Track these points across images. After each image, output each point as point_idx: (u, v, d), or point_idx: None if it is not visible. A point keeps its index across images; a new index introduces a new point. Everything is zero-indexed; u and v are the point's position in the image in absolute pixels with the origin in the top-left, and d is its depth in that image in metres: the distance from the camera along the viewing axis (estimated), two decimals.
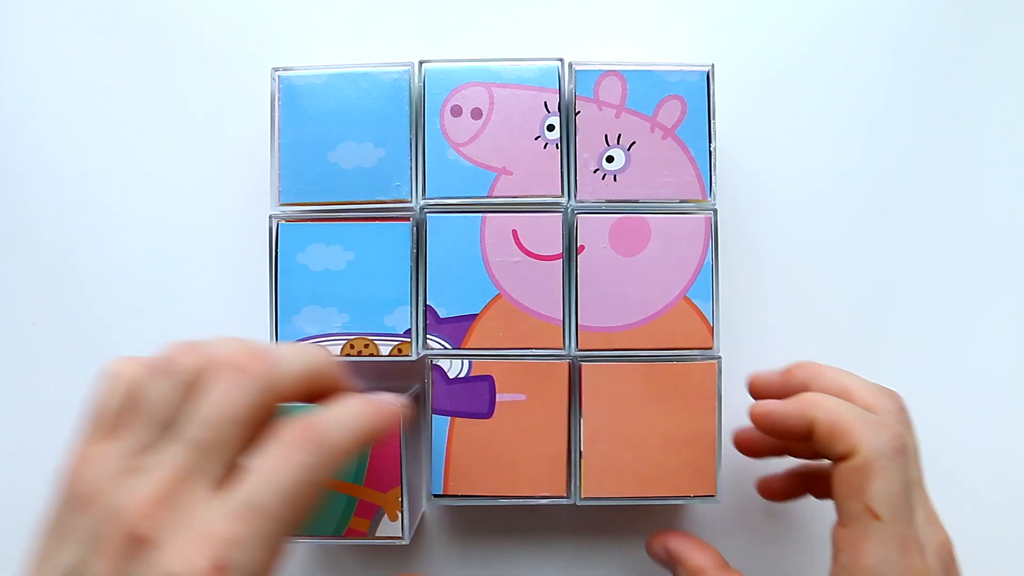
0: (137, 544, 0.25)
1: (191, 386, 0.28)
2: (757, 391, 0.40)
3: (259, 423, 0.28)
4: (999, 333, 0.47)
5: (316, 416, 0.29)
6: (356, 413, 0.30)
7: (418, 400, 0.43)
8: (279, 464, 0.27)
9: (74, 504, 0.27)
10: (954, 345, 0.47)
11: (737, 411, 0.45)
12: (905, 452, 0.33)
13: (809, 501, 0.42)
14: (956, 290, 0.47)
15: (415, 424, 0.42)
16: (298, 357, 0.30)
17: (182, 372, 0.28)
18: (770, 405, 0.35)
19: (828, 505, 0.45)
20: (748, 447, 0.41)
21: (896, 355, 0.46)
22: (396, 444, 0.38)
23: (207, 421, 0.27)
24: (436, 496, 0.40)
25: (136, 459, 0.27)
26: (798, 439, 0.35)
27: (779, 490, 0.42)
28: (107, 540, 0.25)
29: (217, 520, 0.26)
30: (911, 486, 0.33)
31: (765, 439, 0.40)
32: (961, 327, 0.47)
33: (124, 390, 0.29)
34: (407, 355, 0.40)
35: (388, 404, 0.32)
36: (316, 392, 0.31)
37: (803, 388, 0.37)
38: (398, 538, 0.39)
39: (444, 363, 0.40)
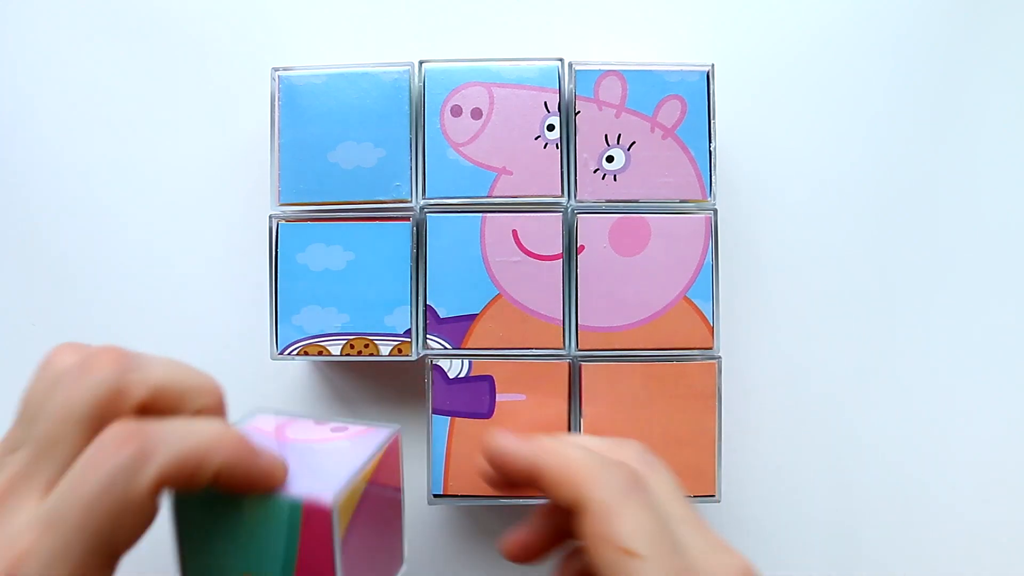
0: None
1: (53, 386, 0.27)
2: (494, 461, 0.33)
3: (100, 425, 0.25)
4: (999, 332, 0.47)
5: (147, 422, 0.26)
6: (201, 432, 0.26)
7: (393, 453, 0.34)
8: (88, 470, 0.24)
9: None
10: (955, 344, 0.47)
11: (737, 411, 0.45)
12: (643, 486, 0.29)
13: (809, 499, 0.42)
14: (956, 290, 0.47)
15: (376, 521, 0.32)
16: (161, 367, 0.27)
17: (52, 372, 0.27)
18: (505, 441, 0.32)
19: (828, 504, 0.45)
20: (519, 552, 0.34)
21: (896, 354, 0.46)
22: (328, 549, 0.28)
23: (46, 419, 0.26)
24: (436, 496, 0.40)
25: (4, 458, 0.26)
26: (528, 484, 0.31)
27: (531, 546, 0.34)
28: None
29: (23, 525, 0.24)
30: (667, 519, 0.29)
31: (538, 537, 0.34)
32: (961, 326, 0.47)
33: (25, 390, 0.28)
34: (407, 355, 0.40)
35: (269, 455, 0.28)
36: (180, 412, 0.28)
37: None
38: None
39: (444, 363, 0.40)
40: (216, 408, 0.29)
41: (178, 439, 0.25)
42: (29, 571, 0.23)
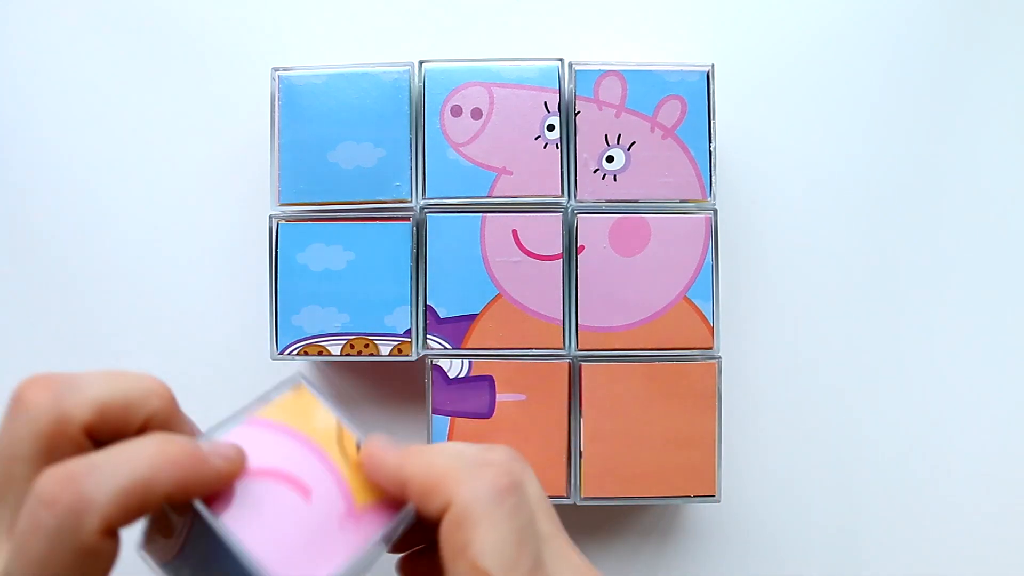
0: None
1: None
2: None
3: (51, 456, 0.24)
4: (1001, 331, 0.47)
5: (87, 460, 0.24)
6: (139, 458, 0.24)
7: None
8: (29, 531, 0.23)
9: None
10: (956, 344, 0.46)
11: (737, 411, 0.45)
12: (515, 490, 0.27)
13: (810, 499, 0.42)
14: (956, 289, 0.47)
15: None
16: (97, 384, 0.26)
17: (9, 407, 0.26)
18: (374, 448, 0.29)
19: (829, 504, 0.45)
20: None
21: (897, 354, 0.46)
22: None
23: None
24: None
25: None
26: (397, 495, 0.29)
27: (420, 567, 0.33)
28: None
29: None
30: (532, 534, 0.27)
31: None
32: (962, 325, 0.47)
33: None
34: (407, 355, 0.40)
35: (217, 455, 0.26)
36: (133, 425, 0.26)
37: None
38: None
39: (444, 363, 0.40)
40: (167, 410, 0.27)
41: (115, 474, 0.23)
42: None
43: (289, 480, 0.29)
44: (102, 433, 0.25)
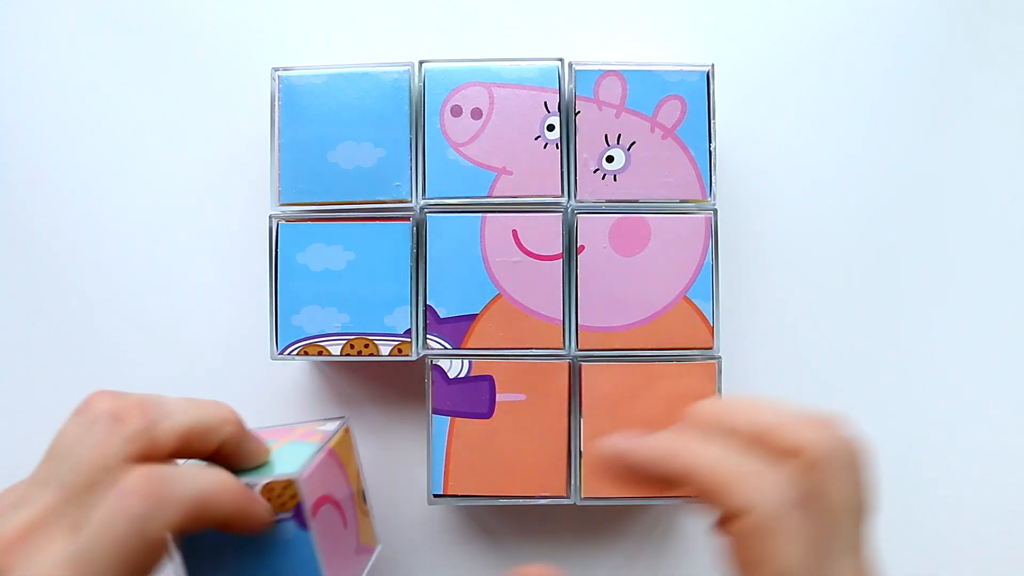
0: None
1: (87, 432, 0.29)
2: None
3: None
4: (1001, 330, 0.47)
5: (169, 468, 0.28)
6: (213, 482, 0.29)
7: (344, 441, 0.39)
8: (112, 512, 0.27)
9: None
10: (956, 343, 0.47)
11: None
12: (816, 498, 0.26)
13: None
14: (957, 288, 0.47)
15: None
16: (184, 412, 0.30)
17: (87, 417, 0.29)
18: (627, 444, 0.29)
19: None
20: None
21: (897, 353, 0.46)
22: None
23: (76, 466, 0.28)
24: (436, 496, 0.40)
25: (25, 495, 0.28)
26: (670, 487, 0.28)
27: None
28: None
29: (55, 563, 0.26)
30: (829, 550, 0.26)
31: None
32: (963, 325, 0.47)
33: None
34: (407, 355, 0.40)
35: (256, 500, 0.31)
36: (209, 449, 0.31)
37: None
38: None
39: (444, 363, 0.40)
40: (237, 435, 0.32)
41: (192, 486, 0.28)
42: None
43: (339, 509, 0.36)
44: (182, 455, 0.30)
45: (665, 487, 0.28)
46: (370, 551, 0.39)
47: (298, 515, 0.33)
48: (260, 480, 0.32)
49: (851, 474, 0.27)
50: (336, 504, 0.36)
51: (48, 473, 0.29)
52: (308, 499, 0.33)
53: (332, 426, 0.38)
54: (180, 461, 0.31)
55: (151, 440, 0.29)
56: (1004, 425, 0.46)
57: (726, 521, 0.27)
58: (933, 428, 0.46)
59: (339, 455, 0.37)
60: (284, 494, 0.33)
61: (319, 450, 0.35)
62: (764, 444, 0.27)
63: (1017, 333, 0.47)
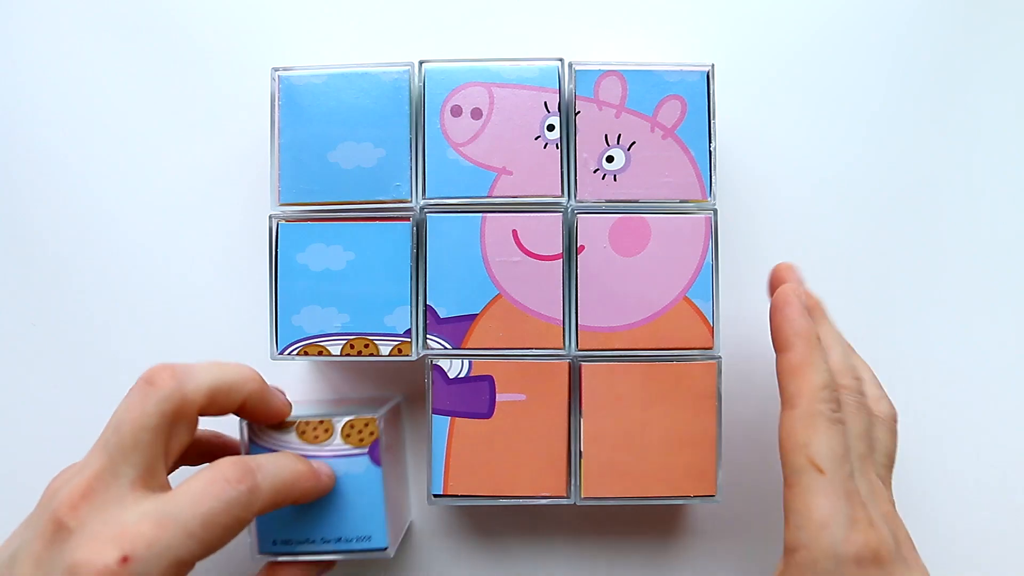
0: (59, 530, 0.31)
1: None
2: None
3: (171, 429, 0.33)
4: (1000, 332, 0.47)
5: (253, 460, 0.34)
6: (289, 470, 0.35)
7: (397, 413, 0.44)
8: (208, 492, 0.32)
9: (40, 502, 0.34)
10: (955, 345, 0.47)
11: (737, 411, 0.45)
12: (842, 423, 0.35)
13: None
14: (957, 290, 0.47)
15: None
16: (208, 372, 0.34)
17: (134, 387, 0.34)
18: (789, 287, 0.38)
19: None
20: None
21: (897, 354, 0.46)
22: None
23: (118, 428, 0.32)
24: (436, 496, 0.40)
25: (84, 462, 0.33)
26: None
27: None
28: (42, 527, 0.31)
29: (134, 518, 0.30)
30: (853, 454, 0.35)
31: None
32: (962, 327, 0.47)
33: None
34: (407, 355, 0.40)
35: (324, 474, 0.38)
36: (234, 404, 0.36)
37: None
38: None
39: (444, 363, 0.40)
40: (260, 391, 0.36)
41: (275, 479, 0.34)
42: (146, 553, 0.29)
43: (395, 463, 0.43)
44: (210, 411, 0.35)
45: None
46: (406, 519, 0.44)
47: (373, 451, 0.39)
48: (342, 418, 0.38)
49: (892, 434, 0.39)
50: (394, 458, 0.42)
51: (102, 440, 0.33)
52: (384, 437, 0.39)
53: (391, 399, 0.44)
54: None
55: (182, 399, 0.33)
56: (1005, 424, 0.46)
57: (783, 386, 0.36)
58: (933, 427, 0.46)
59: (398, 419, 0.44)
60: (364, 431, 0.39)
61: (390, 404, 0.42)
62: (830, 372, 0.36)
63: (1018, 335, 0.47)
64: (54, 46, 0.46)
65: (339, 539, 0.39)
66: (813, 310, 0.40)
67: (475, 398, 0.40)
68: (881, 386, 0.40)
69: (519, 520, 0.46)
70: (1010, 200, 0.47)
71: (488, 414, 0.40)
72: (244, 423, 0.38)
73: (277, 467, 0.35)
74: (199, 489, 0.32)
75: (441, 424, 0.40)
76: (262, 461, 0.34)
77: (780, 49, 0.46)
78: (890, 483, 0.38)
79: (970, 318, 0.47)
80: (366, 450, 0.39)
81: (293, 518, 0.38)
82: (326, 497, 0.38)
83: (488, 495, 0.40)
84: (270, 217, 0.40)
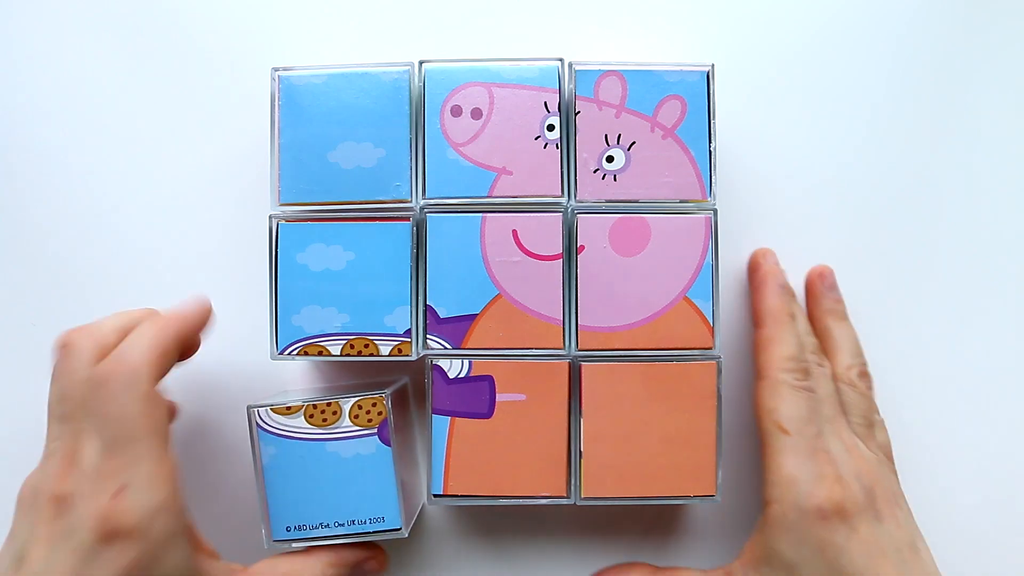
0: (61, 503, 0.33)
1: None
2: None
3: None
4: (999, 332, 0.47)
5: (116, 350, 0.36)
6: (145, 335, 0.36)
7: (404, 394, 0.44)
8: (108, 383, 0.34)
9: (23, 503, 0.35)
10: (954, 345, 0.47)
11: (737, 411, 0.45)
12: (811, 390, 0.39)
13: None
14: (956, 290, 0.47)
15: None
16: (115, 318, 0.38)
17: (54, 360, 0.37)
18: (766, 267, 0.43)
19: None
20: None
21: (897, 353, 0.46)
22: None
23: (62, 395, 0.35)
24: (436, 496, 0.40)
25: (48, 446, 0.36)
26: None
27: None
28: (41, 512, 0.33)
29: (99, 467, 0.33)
30: (820, 417, 0.39)
31: None
32: (961, 327, 0.47)
33: None
34: (407, 355, 0.40)
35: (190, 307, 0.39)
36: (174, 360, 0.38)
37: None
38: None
39: (444, 363, 0.40)
40: (164, 319, 0.38)
41: (138, 347, 0.35)
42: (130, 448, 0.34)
43: (405, 442, 0.44)
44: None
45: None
46: (419, 500, 0.45)
47: (382, 431, 0.39)
48: (350, 399, 0.39)
49: (863, 396, 0.42)
50: (403, 438, 0.42)
51: (54, 414, 0.36)
52: (392, 417, 0.39)
53: (397, 380, 0.45)
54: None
55: (100, 343, 0.35)
56: (1006, 424, 0.46)
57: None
58: (933, 426, 0.46)
59: (406, 400, 0.44)
60: (372, 411, 0.39)
61: (397, 384, 0.43)
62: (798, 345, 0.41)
63: (1017, 335, 0.47)
64: (53, 45, 0.46)
65: (352, 522, 0.39)
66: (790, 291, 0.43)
67: (475, 398, 0.40)
68: (860, 354, 0.43)
69: (519, 520, 0.46)
70: (1010, 199, 0.47)
71: (488, 414, 0.40)
72: (251, 412, 0.39)
73: (143, 338, 0.36)
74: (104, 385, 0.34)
75: (441, 424, 0.40)
76: (127, 343, 0.36)
77: (780, 49, 0.46)
78: (876, 441, 0.42)
79: (970, 317, 0.47)
80: (375, 430, 0.39)
81: (305, 503, 0.39)
82: (338, 479, 0.39)
83: (488, 495, 0.40)
84: (270, 217, 0.40)
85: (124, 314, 0.38)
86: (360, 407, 0.39)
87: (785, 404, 0.39)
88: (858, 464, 0.38)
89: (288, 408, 0.39)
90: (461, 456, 0.40)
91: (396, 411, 0.40)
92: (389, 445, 0.39)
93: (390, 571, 0.46)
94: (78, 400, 0.34)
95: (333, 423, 0.39)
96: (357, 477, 0.39)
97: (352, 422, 0.39)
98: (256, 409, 0.39)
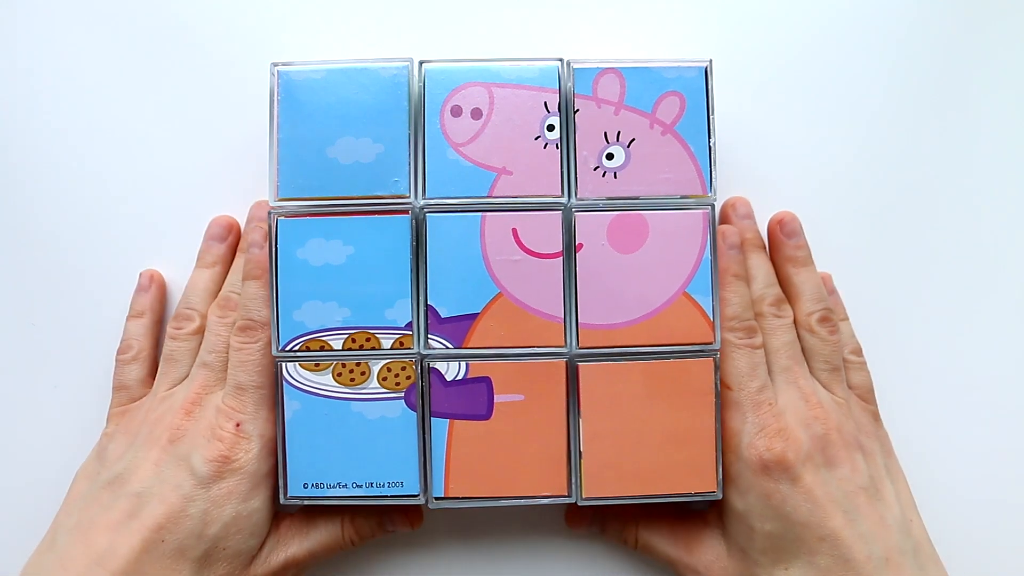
0: (175, 436, 0.39)
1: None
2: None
3: None
4: (998, 332, 0.47)
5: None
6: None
7: None
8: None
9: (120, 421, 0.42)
10: (954, 344, 0.47)
11: None
12: (755, 346, 0.40)
13: None
14: (957, 287, 0.47)
15: None
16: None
17: (211, 317, 0.43)
18: (721, 229, 0.43)
19: None
20: None
21: (897, 351, 0.46)
22: None
23: (213, 347, 0.41)
24: (437, 499, 0.40)
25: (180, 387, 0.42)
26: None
27: None
28: (157, 438, 0.39)
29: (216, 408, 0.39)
30: (763, 370, 0.40)
31: None
32: (960, 326, 0.47)
33: None
34: (408, 348, 0.40)
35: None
36: None
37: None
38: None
39: (441, 366, 0.40)
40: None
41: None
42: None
43: None
44: None
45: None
46: None
47: (409, 396, 0.39)
48: (380, 361, 0.39)
49: (824, 341, 0.43)
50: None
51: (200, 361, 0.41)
52: (420, 382, 0.39)
53: None
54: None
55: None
56: (1006, 424, 0.46)
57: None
58: (933, 426, 0.46)
59: None
60: (401, 375, 0.39)
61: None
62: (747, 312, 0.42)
63: (1017, 336, 0.47)
64: (52, 41, 0.46)
65: (371, 484, 0.39)
66: (746, 243, 0.44)
67: (473, 400, 0.40)
68: (821, 299, 0.43)
69: (519, 520, 0.45)
70: (1010, 198, 0.47)
71: (487, 415, 0.40)
72: (279, 365, 0.40)
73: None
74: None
75: (440, 427, 0.40)
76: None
77: (778, 44, 0.46)
78: (849, 384, 0.43)
79: (970, 316, 0.47)
80: (402, 394, 0.39)
81: (325, 461, 0.39)
82: (360, 440, 0.39)
83: (488, 496, 0.40)
84: (269, 212, 0.40)
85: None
86: (389, 369, 0.39)
87: (727, 362, 0.40)
88: (812, 411, 0.39)
89: (317, 365, 0.39)
90: (461, 458, 0.40)
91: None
92: (415, 410, 0.39)
93: (390, 571, 0.45)
94: (222, 351, 0.40)
95: (361, 383, 0.39)
96: (380, 440, 0.39)
97: (380, 384, 0.39)
98: (284, 363, 0.39)
